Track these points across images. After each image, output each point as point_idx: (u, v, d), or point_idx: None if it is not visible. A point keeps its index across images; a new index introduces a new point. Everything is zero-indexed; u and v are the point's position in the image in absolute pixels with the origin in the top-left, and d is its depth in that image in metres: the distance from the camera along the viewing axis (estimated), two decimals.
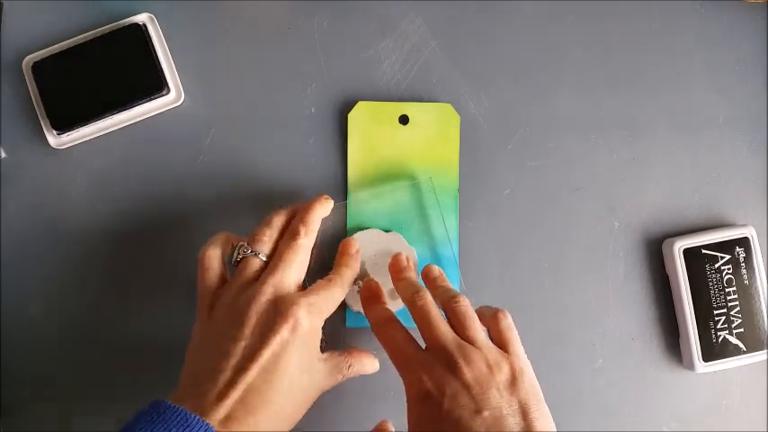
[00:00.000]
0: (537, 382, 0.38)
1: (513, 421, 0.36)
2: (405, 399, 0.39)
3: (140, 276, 0.48)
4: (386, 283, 0.46)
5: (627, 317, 0.50)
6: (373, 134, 0.49)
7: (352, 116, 0.49)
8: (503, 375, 0.37)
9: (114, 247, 0.48)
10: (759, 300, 0.48)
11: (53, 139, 0.48)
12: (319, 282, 0.42)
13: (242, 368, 0.36)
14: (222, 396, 0.35)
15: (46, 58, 0.48)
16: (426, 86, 0.50)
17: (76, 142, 0.48)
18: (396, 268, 0.45)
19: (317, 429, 0.47)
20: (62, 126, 0.47)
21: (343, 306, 0.48)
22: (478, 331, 0.39)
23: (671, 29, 0.51)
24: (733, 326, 0.48)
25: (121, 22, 0.48)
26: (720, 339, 0.48)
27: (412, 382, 0.38)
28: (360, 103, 0.49)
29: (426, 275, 0.44)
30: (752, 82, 0.51)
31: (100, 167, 0.49)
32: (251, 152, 0.49)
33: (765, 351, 0.48)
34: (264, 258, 0.42)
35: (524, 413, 0.36)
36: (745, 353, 0.48)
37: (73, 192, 0.48)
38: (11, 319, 0.48)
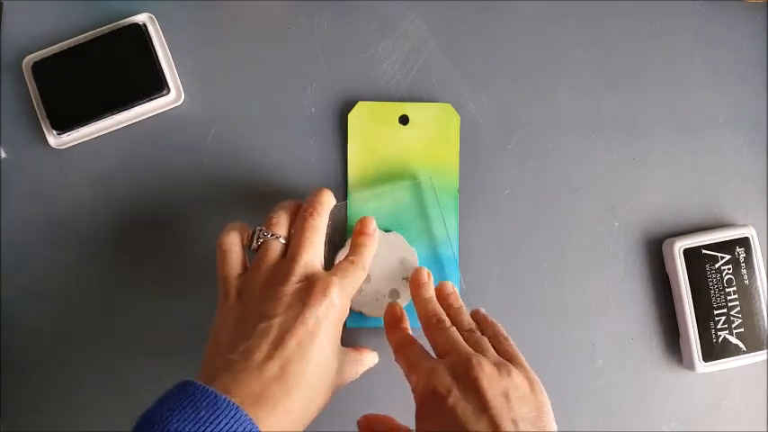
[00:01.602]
0: (547, 396, 0.38)
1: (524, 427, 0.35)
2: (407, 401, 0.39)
3: (141, 276, 0.48)
4: (386, 286, 0.47)
5: (627, 317, 0.50)
6: (373, 134, 0.49)
7: (352, 116, 0.49)
8: (515, 383, 0.36)
9: (115, 247, 0.48)
10: (759, 300, 0.48)
11: (53, 139, 0.48)
12: (342, 263, 0.42)
13: (278, 343, 0.36)
14: (258, 371, 0.35)
15: (46, 58, 0.48)
16: (426, 86, 0.50)
17: (76, 142, 0.48)
18: (416, 283, 0.44)
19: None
20: (62, 126, 0.47)
21: None
22: (490, 350, 0.39)
23: (671, 29, 0.51)
24: (733, 326, 0.48)
25: (121, 21, 0.48)
26: (720, 339, 0.48)
27: (422, 381, 0.37)
28: (360, 104, 0.49)
29: (440, 291, 0.44)
30: (752, 82, 0.51)
31: (100, 167, 0.49)
32: (251, 152, 0.49)
33: (765, 351, 0.48)
34: (284, 241, 0.42)
35: (535, 420, 0.35)
36: (745, 353, 0.48)
37: (73, 192, 0.48)
38: (11, 318, 0.48)
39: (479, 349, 0.39)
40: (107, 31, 0.48)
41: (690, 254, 0.48)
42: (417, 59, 0.50)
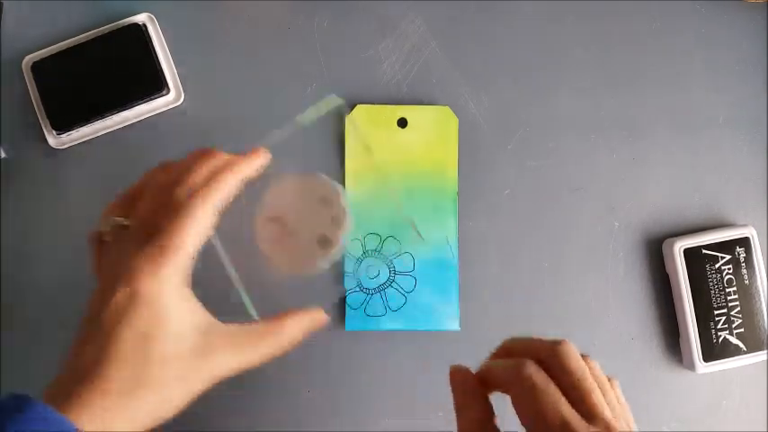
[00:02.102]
0: None
1: None
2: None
3: None
4: (313, 234, 0.39)
5: (627, 317, 0.50)
6: (371, 137, 0.49)
7: (351, 119, 0.49)
8: None
9: None
10: (759, 300, 0.48)
11: (53, 139, 0.48)
12: (164, 219, 0.33)
13: (79, 343, 0.32)
14: (67, 377, 0.31)
15: (46, 58, 0.48)
16: (426, 86, 0.50)
17: (76, 142, 0.48)
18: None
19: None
20: (62, 126, 0.47)
21: (343, 309, 0.48)
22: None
23: (671, 29, 0.51)
24: (733, 326, 0.48)
25: (121, 21, 0.48)
26: (721, 339, 0.48)
27: None
28: (358, 107, 0.49)
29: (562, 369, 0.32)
30: (752, 82, 0.51)
31: (100, 167, 0.49)
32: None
33: (765, 351, 0.48)
34: (126, 223, 0.35)
35: None
36: (745, 353, 0.48)
37: (73, 192, 0.48)
38: (11, 318, 0.48)
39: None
40: (107, 31, 0.48)
41: (690, 254, 0.48)
42: (417, 59, 0.50)
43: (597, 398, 0.31)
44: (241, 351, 0.34)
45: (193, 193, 0.33)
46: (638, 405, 0.50)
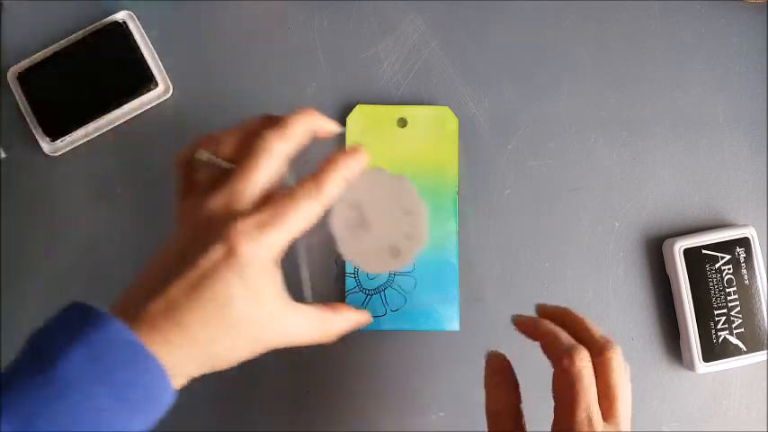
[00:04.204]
0: None
1: None
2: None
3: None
4: (387, 240, 0.39)
5: (627, 317, 0.50)
6: (371, 137, 0.49)
7: (351, 119, 0.49)
8: None
9: (116, 247, 0.48)
10: (759, 300, 0.48)
11: (47, 146, 0.48)
12: (281, 193, 0.34)
13: (168, 280, 0.32)
14: (147, 300, 0.32)
15: (30, 66, 0.48)
16: (426, 86, 0.50)
17: (71, 146, 0.48)
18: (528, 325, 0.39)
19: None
20: (54, 133, 0.47)
21: None
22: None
23: (671, 29, 0.51)
24: (733, 326, 0.48)
25: (101, 22, 0.48)
26: (721, 339, 0.48)
27: None
28: (358, 106, 0.49)
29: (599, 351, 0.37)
30: (752, 82, 0.51)
31: (97, 168, 0.49)
32: None
33: (766, 351, 0.48)
34: (225, 165, 0.36)
35: None
36: (745, 353, 0.48)
37: (72, 194, 0.48)
38: (11, 319, 0.48)
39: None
40: (88, 33, 0.48)
41: (690, 254, 0.48)
42: (417, 59, 0.50)
43: (620, 409, 0.36)
44: (302, 328, 0.35)
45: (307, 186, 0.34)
46: (639, 405, 0.50)
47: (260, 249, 0.32)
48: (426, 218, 0.39)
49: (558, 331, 0.37)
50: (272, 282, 0.34)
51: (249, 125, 0.36)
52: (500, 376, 0.37)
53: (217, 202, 0.33)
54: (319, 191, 0.34)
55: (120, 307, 0.32)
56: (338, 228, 0.39)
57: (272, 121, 0.36)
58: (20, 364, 0.30)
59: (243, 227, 0.32)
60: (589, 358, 0.36)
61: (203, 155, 0.36)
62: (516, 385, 0.37)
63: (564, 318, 0.39)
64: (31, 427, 0.28)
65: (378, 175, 0.39)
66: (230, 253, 0.32)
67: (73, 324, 0.30)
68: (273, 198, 0.34)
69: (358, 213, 0.39)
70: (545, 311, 0.41)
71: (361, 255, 0.39)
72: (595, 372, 0.36)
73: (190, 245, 0.33)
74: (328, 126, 0.37)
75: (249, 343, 0.34)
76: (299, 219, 0.33)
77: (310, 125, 0.36)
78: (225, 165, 0.35)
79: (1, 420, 0.28)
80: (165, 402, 0.31)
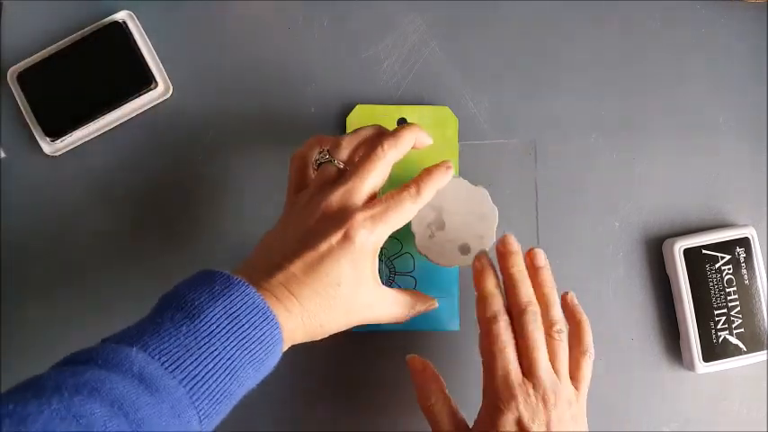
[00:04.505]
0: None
1: None
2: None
3: (142, 275, 0.48)
4: (459, 238, 0.45)
5: (627, 317, 0.50)
6: None
7: (351, 119, 0.49)
8: (571, 410, 0.40)
9: (116, 247, 0.48)
10: (759, 300, 0.48)
11: (47, 146, 0.48)
12: (388, 193, 0.41)
13: (290, 259, 0.38)
14: (269, 274, 0.37)
15: (30, 67, 0.48)
16: (426, 86, 0.50)
17: (71, 146, 0.48)
18: (504, 250, 0.43)
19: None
20: (55, 133, 0.47)
21: None
22: (566, 366, 0.41)
23: (671, 29, 0.51)
24: (733, 326, 0.48)
25: (101, 22, 0.48)
26: (721, 340, 0.48)
27: (506, 399, 0.39)
28: (358, 107, 0.49)
29: (531, 261, 0.44)
30: (752, 82, 0.51)
31: (97, 168, 0.49)
32: (250, 151, 0.49)
33: (765, 351, 0.48)
34: (341, 166, 0.41)
35: None
36: (745, 353, 0.48)
37: (72, 195, 0.48)
38: (11, 319, 0.48)
39: (556, 361, 0.41)
40: (87, 33, 0.48)
41: (690, 254, 0.48)
42: (417, 59, 0.50)
43: (539, 356, 0.40)
44: (387, 309, 0.41)
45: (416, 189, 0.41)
46: (639, 405, 0.50)
47: (369, 238, 0.38)
48: (496, 222, 0.46)
49: (491, 296, 0.42)
50: (373, 267, 0.40)
51: (363, 134, 0.42)
52: (424, 372, 0.43)
53: (336, 196, 0.39)
54: (419, 195, 0.40)
55: (246, 279, 0.36)
56: (416, 224, 0.45)
57: (387, 132, 0.42)
58: (160, 317, 0.34)
59: (359, 218, 0.38)
60: (506, 322, 0.41)
61: (325, 156, 0.41)
62: (439, 377, 0.43)
63: (504, 271, 0.43)
64: (178, 366, 0.33)
65: (458, 183, 0.45)
66: (346, 238, 0.38)
67: (214, 287, 0.35)
68: (383, 197, 0.40)
69: (436, 214, 0.45)
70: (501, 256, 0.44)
71: (432, 248, 0.45)
72: (516, 330, 0.41)
73: (309, 231, 0.38)
74: (426, 139, 0.43)
75: (345, 317, 0.39)
76: (401, 216, 0.40)
77: (415, 138, 0.42)
78: (341, 165, 0.41)
79: (151, 360, 0.32)
80: (272, 365, 0.37)
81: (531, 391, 0.39)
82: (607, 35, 0.51)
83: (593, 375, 0.46)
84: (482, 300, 0.42)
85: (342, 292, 0.38)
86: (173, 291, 0.36)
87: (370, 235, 0.38)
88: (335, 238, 0.38)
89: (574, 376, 0.42)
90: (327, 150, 0.42)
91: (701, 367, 0.48)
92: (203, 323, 0.34)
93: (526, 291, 0.42)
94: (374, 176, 0.40)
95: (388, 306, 0.41)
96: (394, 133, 0.41)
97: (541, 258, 0.44)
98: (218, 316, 0.34)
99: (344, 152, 0.42)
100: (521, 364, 0.40)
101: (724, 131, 0.51)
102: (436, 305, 0.44)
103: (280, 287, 0.37)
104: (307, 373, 0.48)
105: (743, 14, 0.51)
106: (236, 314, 0.34)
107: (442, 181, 0.42)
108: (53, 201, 0.48)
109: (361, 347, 0.48)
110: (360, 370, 0.48)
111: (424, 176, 0.41)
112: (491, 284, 0.42)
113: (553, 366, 0.40)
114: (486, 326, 0.41)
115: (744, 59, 0.51)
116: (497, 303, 0.41)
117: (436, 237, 0.45)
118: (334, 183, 0.40)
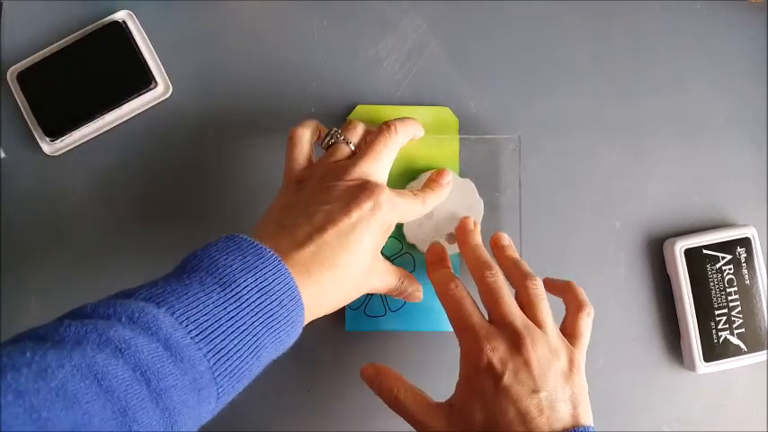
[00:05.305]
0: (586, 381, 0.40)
1: (565, 408, 0.38)
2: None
3: (140, 274, 0.48)
4: (446, 227, 0.47)
5: (628, 317, 0.50)
6: None
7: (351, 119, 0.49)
8: (561, 363, 0.39)
9: (115, 246, 0.48)
10: (760, 300, 0.48)
11: (47, 146, 0.48)
12: (405, 191, 0.43)
13: (321, 227, 0.37)
14: (298, 246, 0.37)
15: (29, 66, 0.48)
16: (426, 86, 0.50)
17: (71, 146, 0.48)
18: (462, 231, 0.45)
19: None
20: (54, 133, 0.47)
21: (342, 310, 0.48)
22: (548, 315, 0.41)
23: (671, 29, 0.51)
24: (734, 326, 0.48)
25: (100, 21, 0.48)
26: (721, 340, 0.48)
27: (473, 350, 0.39)
28: (358, 107, 0.49)
29: (495, 243, 0.45)
30: (752, 82, 0.51)
31: (97, 168, 0.49)
32: (250, 150, 0.49)
33: (766, 351, 0.48)
34: (353, 148, 0.43)
35: (574, 404, 0.38)
36: (746, 353, 0.48)
37: (72, 195, 0.48)
38: (11, 319, 0.47)
39: (536, 311, 0.40)
40: (87, 33, 0.48)
41: (691, 254, 0.48)
42: (417, 59, 0.50)
43: (507, 305, 0.40)
44: (381, 277, 0.42)
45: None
46: (639, 405, 0.50)
47: (391, 212, 0.40)
48: (482, 213, 0.48)
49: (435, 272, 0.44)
50: (383, 242, 0.41)
51: (367, 126, 0.45)
52: (378, 374, 0.42)
53: (356, 172, 0.40)
54: (424, 204, 0.44)
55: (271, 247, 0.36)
56: None
57: (393, 118, 0.44)
58: (188, 278, 0.33)
59: (386, 190, 0.40)
60: (457, 281, 0.42)
61: (339, 136, 0.43)
62: (393, 371, 0.42)
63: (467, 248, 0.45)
64: (205, 338, 0.31)
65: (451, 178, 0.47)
66: (376, 207, 0.39)
67: (247, 257, 0.34)
68: (398, 191, 0.42)
69: None
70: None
71: (421, 238, 0.48)
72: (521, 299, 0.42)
73: (338, 200, 0.39)
74: (420, 131, 0.46)
75: (356, 288, 0.40)
76: (412, 209, 0.43)
77: (416, 128, 0.45)
78: (352, 147, 0.43)
79: (179, 326, 0.31)
80: (288, 347, 0.36)
81: (498, 334, 0.39)
82: (607, 35, 0.51)
83: (592, 375, 0.46)
84: (434, 279, 0.43)
85: (368, 264, 0.39)
86: (202, 251, 0.35)
87: (391, 210, 0.40)
88: (368, 206, 0.39)
89: (570, 333, 0.41)
90: (340, 131, 0.43)
91: (702, 367, 0.48)
92: (234, 294, 0.33)
93: (482, 253, 0.43)
94: (388, 155, 0.42)
95: (383, 274, 0.42)
96: (401, 118, 0.44)
97: (505, 239, 0.46)
98: (249, 287, 0.33)
99: (356, 136, 0.43)
100: (491, 319, 0.40)
101: (725, 131, 0.51)
102: (421, 296, 0.45)
103: (310, 259, 0.36)
104: (304, 372, 0.48)
105: (743, 14, 0.51)
106: (266, 289, 0.34)
107: (446, 193, 0.45)
108: (53, 201, 0.48)
109: (360, 347, 0.48)
110: (358, 370, 0.48)
111: (435, 178, 0.45)
112: (442, 269, 0.44)
113: (534, 318, 0.40)
114: (442, 289, 0.42)
115: (744, 59, 0.51)
116: (448, 274, 0.43)
117: (424, 226, 0.47)
118: (353, 160, 0.41)
